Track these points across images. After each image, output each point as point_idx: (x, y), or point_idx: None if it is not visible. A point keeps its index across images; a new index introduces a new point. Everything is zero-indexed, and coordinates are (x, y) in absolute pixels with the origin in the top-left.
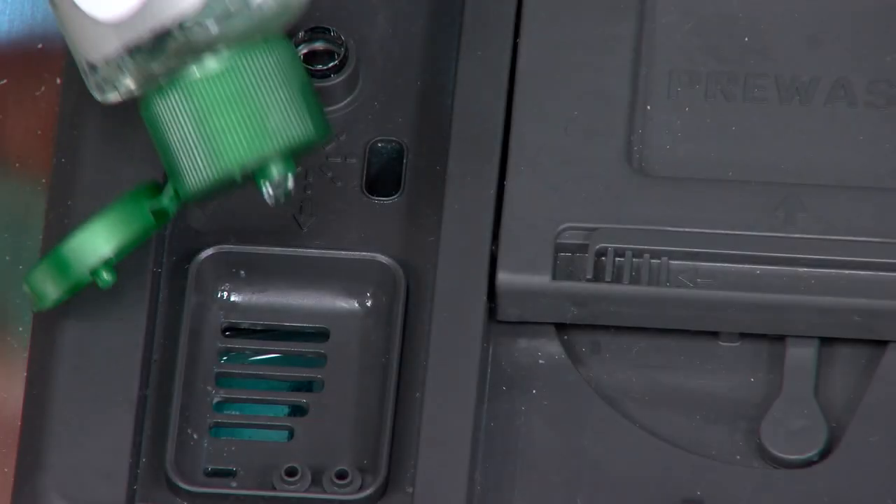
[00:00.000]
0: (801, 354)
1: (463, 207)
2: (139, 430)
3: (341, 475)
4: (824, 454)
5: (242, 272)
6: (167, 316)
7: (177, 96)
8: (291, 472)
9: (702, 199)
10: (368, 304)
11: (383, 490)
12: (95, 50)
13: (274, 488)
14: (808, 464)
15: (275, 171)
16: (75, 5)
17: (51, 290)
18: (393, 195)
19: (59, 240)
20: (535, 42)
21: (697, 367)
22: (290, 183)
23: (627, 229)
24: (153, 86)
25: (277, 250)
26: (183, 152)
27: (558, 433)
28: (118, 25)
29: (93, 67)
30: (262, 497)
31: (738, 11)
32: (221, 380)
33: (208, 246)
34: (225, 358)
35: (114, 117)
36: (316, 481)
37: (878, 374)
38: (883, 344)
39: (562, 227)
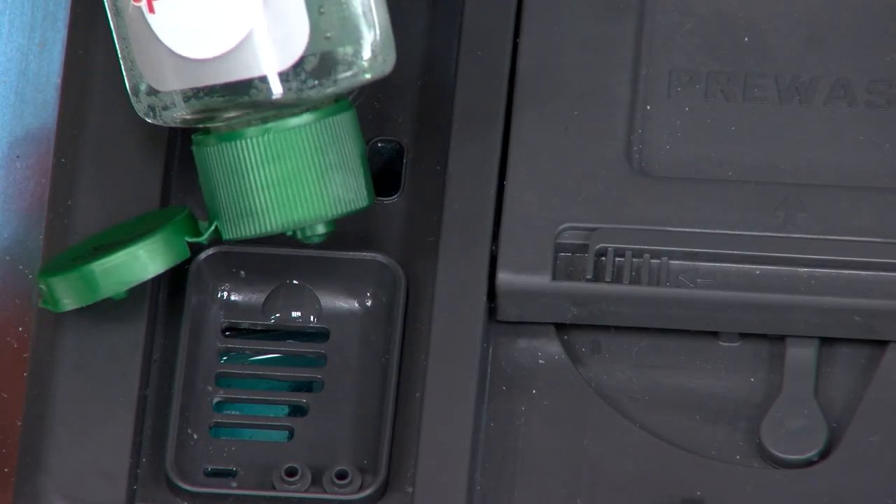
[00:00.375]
0: (801, 354)
1: (463, 207)
2: (139, 430)
3: (341, 475)
4: (824, 454)
5: (242, 272)
6: (167, 316)
7: (238, 149)
8: (291, 472)
9: (702, 199)
10: (368, 304)
11: (383, 490)
12: (165, 80)
13: (274, 488)
14: (808, 464)
15: (318, 230)
16: (154, 35)
17: (68, 301)
18: (393, 195)
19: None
20: (535, 42)
21: (697, 367)
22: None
23: (627, 229)
24: (212, 126)
25: (277, 250)
26: (235, 202)
27: (558, 433)
28: (200, 65)
29: (153, 92)
30: (262, 497)
31: (738, 11)
32: (221, 380)
33: (208, 246)
34: (225, 358)
35: (114, 117)
36: (316, 481)
37: (878, 374)
38: (883, 344)
39: (562, 227)
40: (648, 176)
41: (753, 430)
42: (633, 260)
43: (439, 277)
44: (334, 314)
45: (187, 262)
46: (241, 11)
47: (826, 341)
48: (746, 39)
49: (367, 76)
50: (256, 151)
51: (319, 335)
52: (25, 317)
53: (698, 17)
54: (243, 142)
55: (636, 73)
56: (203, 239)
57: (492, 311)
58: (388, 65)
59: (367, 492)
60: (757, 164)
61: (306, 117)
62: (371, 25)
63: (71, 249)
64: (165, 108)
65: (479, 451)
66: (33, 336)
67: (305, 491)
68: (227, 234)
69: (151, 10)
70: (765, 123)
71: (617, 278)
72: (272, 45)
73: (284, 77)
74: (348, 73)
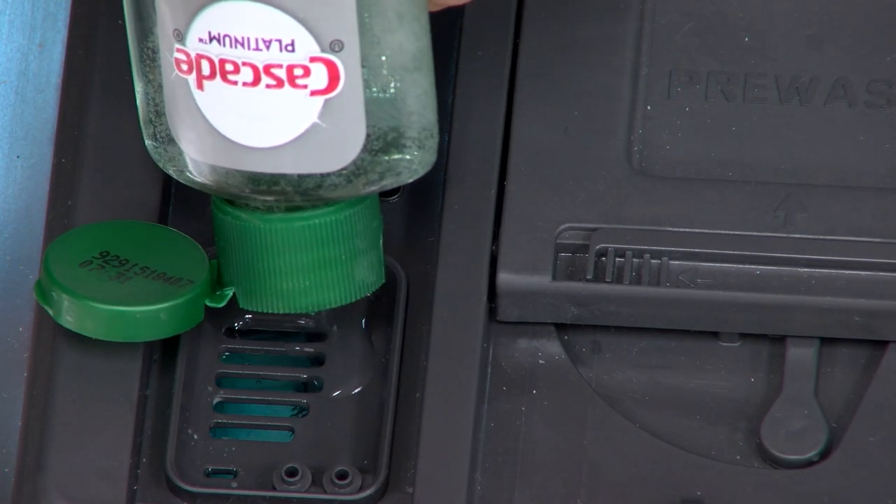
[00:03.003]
0: (801, 354)
1: (463, 207)
2: (139, 430)
3: (341, 475)
4: (824, 454)
5: None
6: None
7: (269, 232)
8: (291, 472)
9: (702, 199)
10: (368, 304)
11: (383, 490)
12: (200, 151)
13: (274, 488)
14: (808, 464)
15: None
16: (199, 110)
17: (71, 320)
18: (393, 195)
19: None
20: (535, 42)
21: (697, 367)
22: None
23: (628, 229)
24: (240, 200)
25: None
26: (257, 280)
27: (558, 433)
28: (245, 150)
29: (181, 154)
30: (263, 497)
31: (738, 11)
32: (221, 380)
33: (207, 246)
34: (225, 358)
35: (114, 117)
36: (316, 481)
37: (878, 374)
38: (883, 344)
39: (562, 227)
40: (648, 176)
41: (753, 431)
42: (634, 260)
43: (439, 277)
44: (334, 314)
45: None
46: (297, 112)
47: (826, 341)
48: (746, 39)
49: (410, 179)
50: (287, 238)
51: (319, 335)
52: (25, 317)
53: (698, 17)
54: (273, 226)
55: (636, 73)
56: (221, 304)
57: (492, 311)
58: (430, 164)
59: (368, 492)
60: (757, 164)
61: (338, 207)
62: (426, 132)
63: (76, 236)
64: (187, 168)
65: (479, 451)
66: (33, 336)
67: (306, 491)
68: (245, 305)
69: (200, 87)
70: (765, 123)
71: (617, 278)
72: (324, 149)
73: (330, 178)
74: (393, 178)
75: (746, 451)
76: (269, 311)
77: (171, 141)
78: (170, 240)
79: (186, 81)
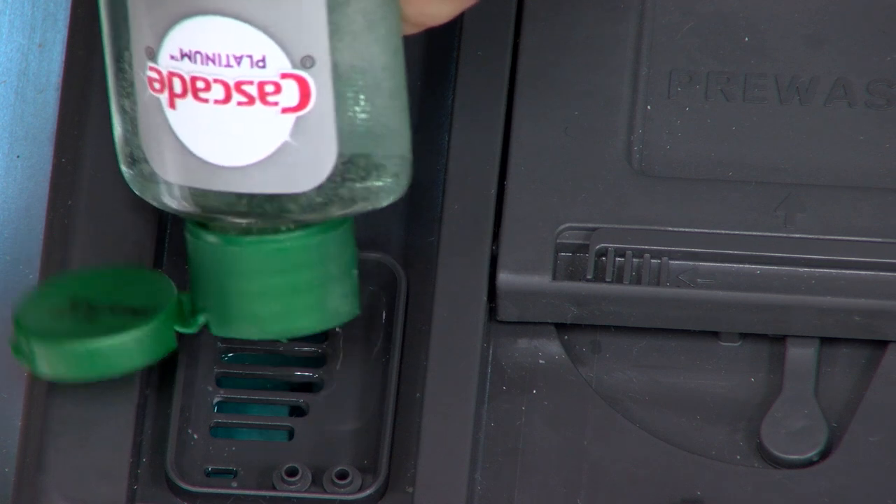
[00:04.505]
0: (801, 354)
1: (463, 207)
2: (139, 430)
3: (341, 475)
4: (824, 454)
5: None
6: None
7: (239, 254)
8: (291, 472)
9: (702, 199)
10: (368, 304)
11: (383, 490)
12: (173, 173)
13: (274, 488)
14: (808, 464)
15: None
16: (171, 130)
17: (46, 370)
18: None
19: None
20: (535, 42)
21: (697, 367)
22: None
23: (628, 229)
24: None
25: None
26: (228, 303)
27: (558, 433)
28: (217, 170)
29: (155, 178)
30: (263, 497)
31: (738, 11)
32: (221, 380)
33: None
34: (225, 358)
35: None
36: (316, 481)
37: (878, 374)
38: (883, 344)
39: (562, 227)
40: (648, 176)
41: (753, 430)
42: (634, 260)
43: (439, 277)
44: None
45: (187, 262)
46: (269, 130)
47: (826, 341)
48: (746, 39)
49: (384, 203)
50: (258, 261)
51: (319, 335)
52: None
53: (698, 17)
54: (244, 249)
55: (636, 73)
56: (192, 331)
57: (492, 311)
58: (403, 189)
59: (368, 492)
60: (757, 164)
61: (311, 231)
62: (398, 155)
63: (48, 288)
64: (161, 193)
65: (479, 451)
66: None
67: (306, 491)
68: (217, 332)
69: (172, 105)
70: (765, 123)
71: (617, 278)
72: (296, 167)
73: (302, 198)
74: (366, 202)
75: (746, 451)
76: (241, 338)
77: (144, 163)
78: (138, 276)
79: (159, 101)
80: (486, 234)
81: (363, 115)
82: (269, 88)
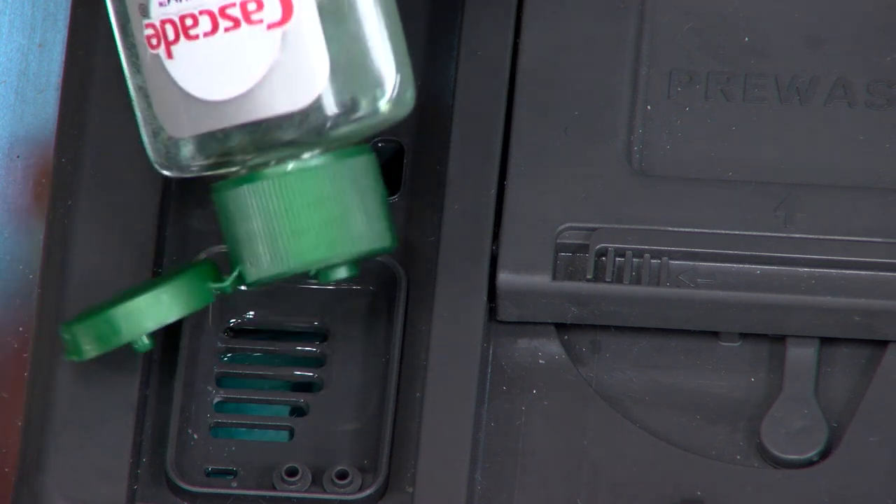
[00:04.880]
0: (801, 354)
1: (463, 207)
2: (139, 430)
3: (341, 475)
4: (824, 454)
5: None
6: None
7: (260, 190)
8: (291, 472)
9: (702, 199)
10: (368, 304)
11: (383, 490)
12: (182, 126)
13: (274, 488)
14: (808, 464)
15: (341, 272)
16: (173, 81)
17: (90, 347)
18: (393, 195)
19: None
20: (535, 42)
21: (698, 367)
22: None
23: (628, 229)
24: (230, 171)
25: None
26: (258, 244)
27: (558, 433)
28: (218, 107)
29: (170, 140)
30: (263, 497)
31: (738, 11)
32: (221, 380)
33: (208, 246)
34: (225, 358)
35: (114, 117)
36: (316, 481)
37: (878, 374)
38: (883, 344)
39: (562, 227)
40: (648, 176)
41: (753, 430)
42: (634, 260)
43: (439, 277)
44: (334, 314)
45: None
46: (258, 50)
47: (826, 341)
48: (746, 39)
49: (387, 116)
50: (275, 192)
51: (319, 335)
52: (25, 317)
53: (698, 17)
54: (261, 183)
55: (636, 73)
56: (227, 285)
57: (492, 311)
58: (407, 105)
59: (368, 492)
60: (757, 164)
61: (325, 158)
62: (391, 65)
63: (96, 305)
64: (182, 155)
65: (479, 451)
66: (33, 336)
67: (305, 491)
68: (250, 278)
69: (170, 55)
70: (765, 123)
71: (617, 278)
72: (290, 84)
73: (303, 116)
74: (368, 113)
75: (746, 451)
76: (269, 276)
77: (162, 132)
78: (184, 264)
79: (159, 57)
80: (486, 234)
81: (349, 22)
82: (252, 6)
